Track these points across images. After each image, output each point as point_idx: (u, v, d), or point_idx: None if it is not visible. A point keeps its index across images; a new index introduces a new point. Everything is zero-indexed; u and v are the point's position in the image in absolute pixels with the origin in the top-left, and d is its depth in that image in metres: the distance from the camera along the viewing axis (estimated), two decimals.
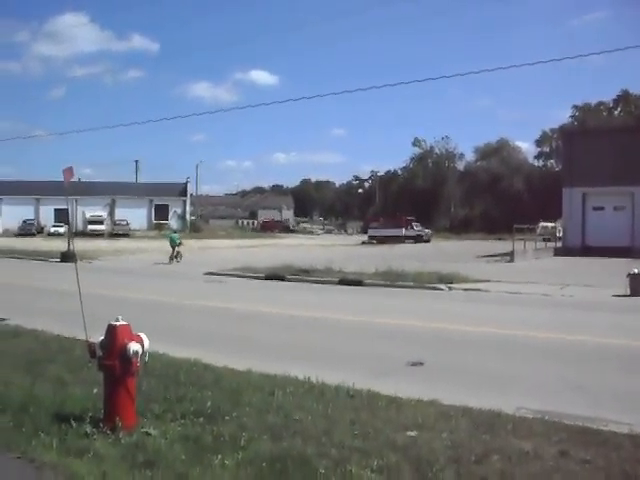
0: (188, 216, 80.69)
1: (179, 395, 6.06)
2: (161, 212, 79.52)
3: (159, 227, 73.34)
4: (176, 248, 29.83)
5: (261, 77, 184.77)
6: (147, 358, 5.39)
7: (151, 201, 79.97)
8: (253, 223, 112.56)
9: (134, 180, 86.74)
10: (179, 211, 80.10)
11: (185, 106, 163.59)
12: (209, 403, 5.75)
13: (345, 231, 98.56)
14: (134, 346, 5.07)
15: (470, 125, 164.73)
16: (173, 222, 74.83)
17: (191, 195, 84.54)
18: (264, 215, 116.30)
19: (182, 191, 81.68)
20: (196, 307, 14.47)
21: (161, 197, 79.87)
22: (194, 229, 74.04)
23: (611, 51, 15.80)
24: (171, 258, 29.58)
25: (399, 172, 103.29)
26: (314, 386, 6.69)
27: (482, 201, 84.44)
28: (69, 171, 7.70)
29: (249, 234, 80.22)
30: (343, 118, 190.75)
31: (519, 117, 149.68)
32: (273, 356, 8.81)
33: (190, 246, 32.76)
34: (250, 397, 6.07)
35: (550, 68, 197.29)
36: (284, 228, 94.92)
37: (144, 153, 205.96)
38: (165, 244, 32.35)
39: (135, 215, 74.90)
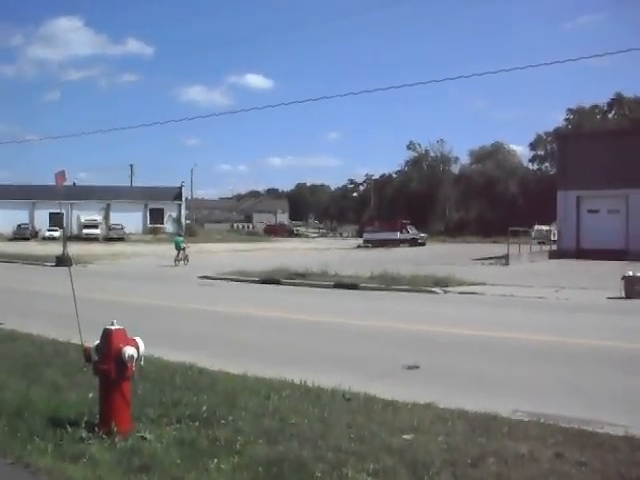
0: (183, 220, 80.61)
1: (175, 399, 6.04)
2: (156, 216, 79.48)
3: (154, 231, 73.36)
4: (181, 251, 29.95)
5: (256, 81, 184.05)
6: (142, 362, 5.38)
7: (146, 205, 79.91)
8: (248, 227, 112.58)
9: (129, 184, 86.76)
10: (174, 215, 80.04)
11: (180, 110, 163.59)
12: (205, 407, 5.73)
13: (340, 234, 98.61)
14: (129, 350, 5.06)
15: (465, 128, 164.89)
16: (169, 226, 74.78)
17: (186, 199, 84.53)
18: (259, 219, 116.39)
19: (177, 195, 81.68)
20: (193, 311, 14.44)
21: (156, 201, 79.84)
22: (189, 233, 73.81)
23: (601, 55, 15.79)
24: (176, 260, 29.65)
25: (394, 175, 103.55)
26: (310, 389, 6.68)
27: (477, 204, 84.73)
28: (61, 175, 7.70)
29: (244, 238, 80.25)
30: (338, 121, 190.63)
31: (514, 120, 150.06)
32: (269, 360, 8.79)
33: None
34: (246, 401, 6.05)
35: (545, 71, 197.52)
36: (288, 232, 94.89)
37: (139, 157, 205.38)
38: (161, 248, 32.44)
39: (130, 219, 74.84)
